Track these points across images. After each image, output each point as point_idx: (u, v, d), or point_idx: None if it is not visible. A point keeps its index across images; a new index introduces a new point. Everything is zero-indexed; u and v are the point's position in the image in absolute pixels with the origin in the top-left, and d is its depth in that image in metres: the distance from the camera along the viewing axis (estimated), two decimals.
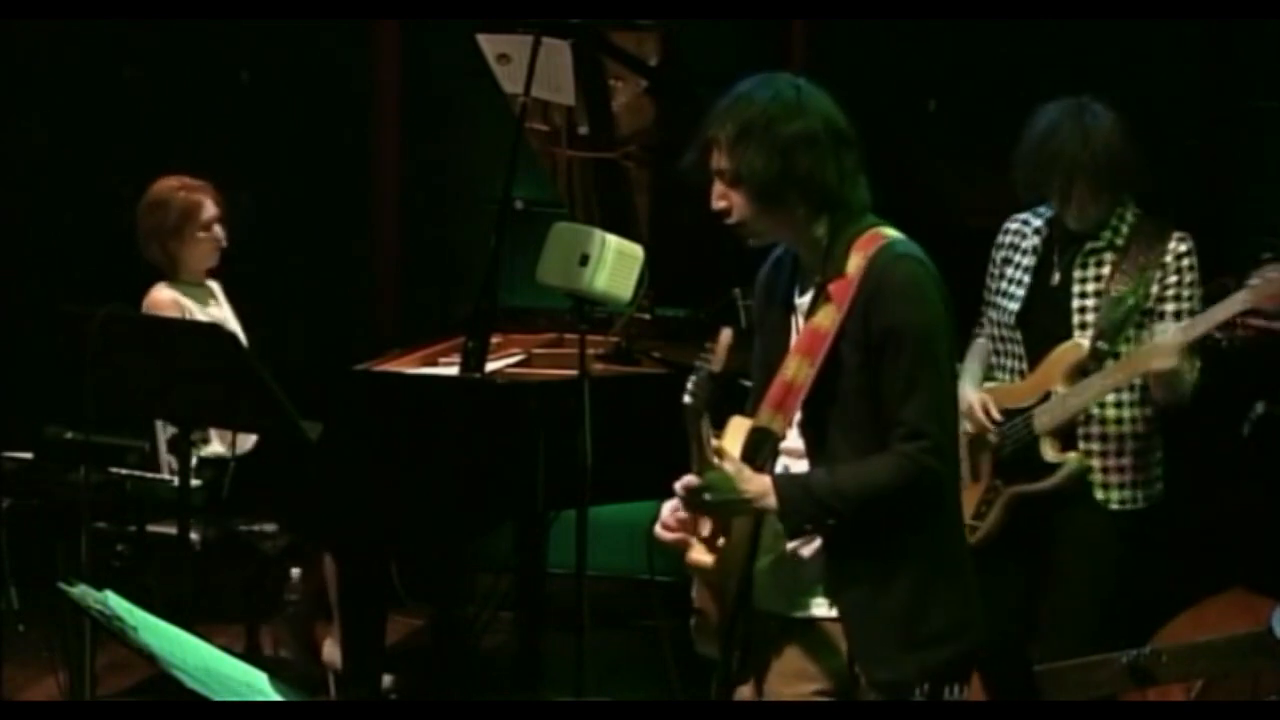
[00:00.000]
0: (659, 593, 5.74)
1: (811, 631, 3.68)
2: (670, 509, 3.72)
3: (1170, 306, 4.84)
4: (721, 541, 3.67)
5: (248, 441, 5.40)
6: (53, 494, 5.33)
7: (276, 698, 3.13)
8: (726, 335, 3.66)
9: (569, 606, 4.85)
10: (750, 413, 3.73)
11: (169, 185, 5.92)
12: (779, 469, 3.68)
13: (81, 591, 3.07)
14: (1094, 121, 4.86)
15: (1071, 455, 4.87)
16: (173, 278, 5.89)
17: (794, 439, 3.69)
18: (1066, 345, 4.87)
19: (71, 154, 7.37)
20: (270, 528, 5.66)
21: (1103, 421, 4.89)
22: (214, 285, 6.00)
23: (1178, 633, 4.78)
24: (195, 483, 5.25)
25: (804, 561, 3.67)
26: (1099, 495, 4.90)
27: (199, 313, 5.85)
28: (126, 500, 5.45)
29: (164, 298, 5.83)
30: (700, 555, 3.68)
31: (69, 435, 5.18)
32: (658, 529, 3.74)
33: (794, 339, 3.70)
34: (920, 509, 3.62)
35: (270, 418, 4.90)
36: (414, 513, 5.11)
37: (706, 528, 3.67)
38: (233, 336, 5.04)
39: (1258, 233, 6.24)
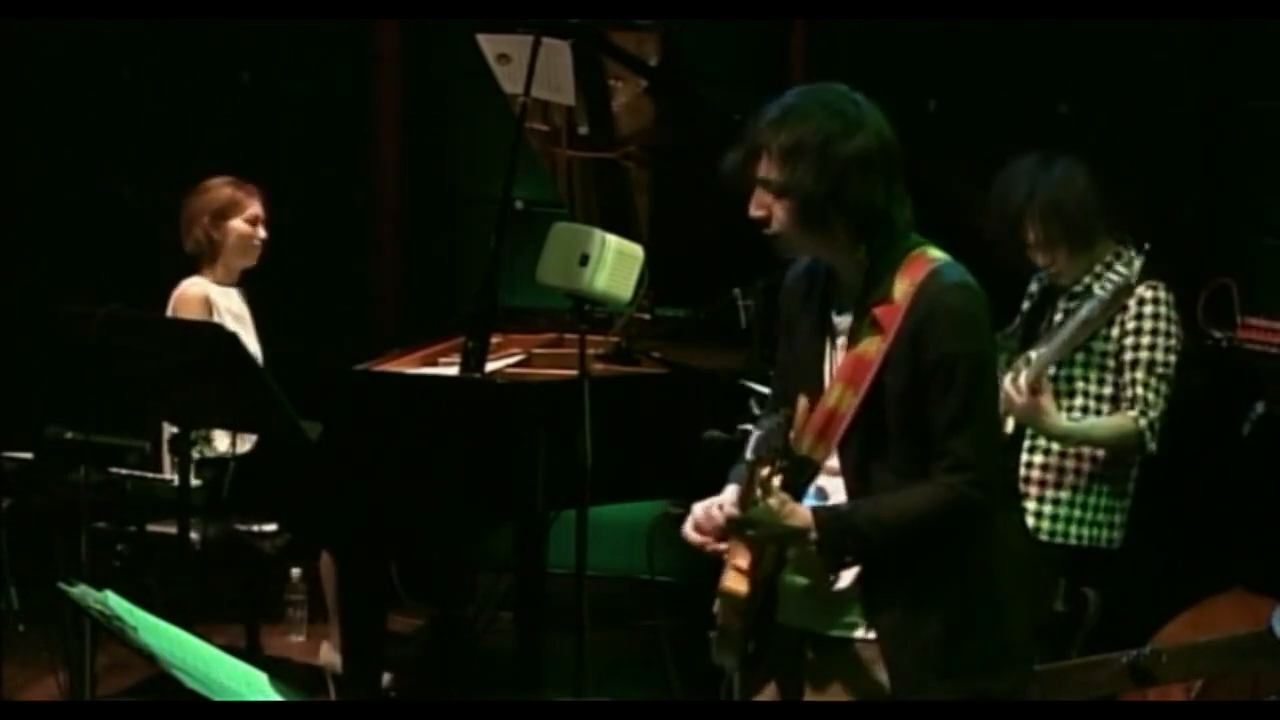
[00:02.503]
0: (659, 593, 5.75)
1: (849, 651, 3.61)
2: (704, 510, 3.64)
3: (1128, 356, 4.87)
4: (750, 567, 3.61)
5: (248, 441, 5.40)
6: (53, 494, 5.33)
7: (276, 698, 3.13)
8: (804, 404, 3.61)
9: (569, 606, 4.84)
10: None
11: (221, 178, 6.01)
12: (813, 486, 3.62)
13: (81, 591, 3.07)
14: (1043, 171, 4.91)
15: None
16: (209, 268, 5.91)
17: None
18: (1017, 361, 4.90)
19: (71, 154, 7.37)
20: (270, 528, 5.66)
21: (1046, 452, 4.93)
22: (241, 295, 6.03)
23: (1178, 633, 4.78)
24: (195, 483, 5.25)
25: (841, 580, 3.62)
26: (1031, 522, 4.92)
27: (226, 315, 5.85)
28: (126, 500, 5.45)
29: (194, 294, 5.84)
30: (736, 584, 3.60)
31: (69, 435, 5.18)
32: (688, 530, 3.66)
33: (829, 359, 3.63)
34: (960, 539, 3.57)
35: (270, 418, 4.90)
36: (414, 513, 5.11)
37: (744, 559, 3.60)
38: (233, 336, 5.03)
39: (1258, 233, 6.25)
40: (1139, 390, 4.84)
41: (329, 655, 5.80)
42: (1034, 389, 4.71)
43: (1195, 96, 6.38)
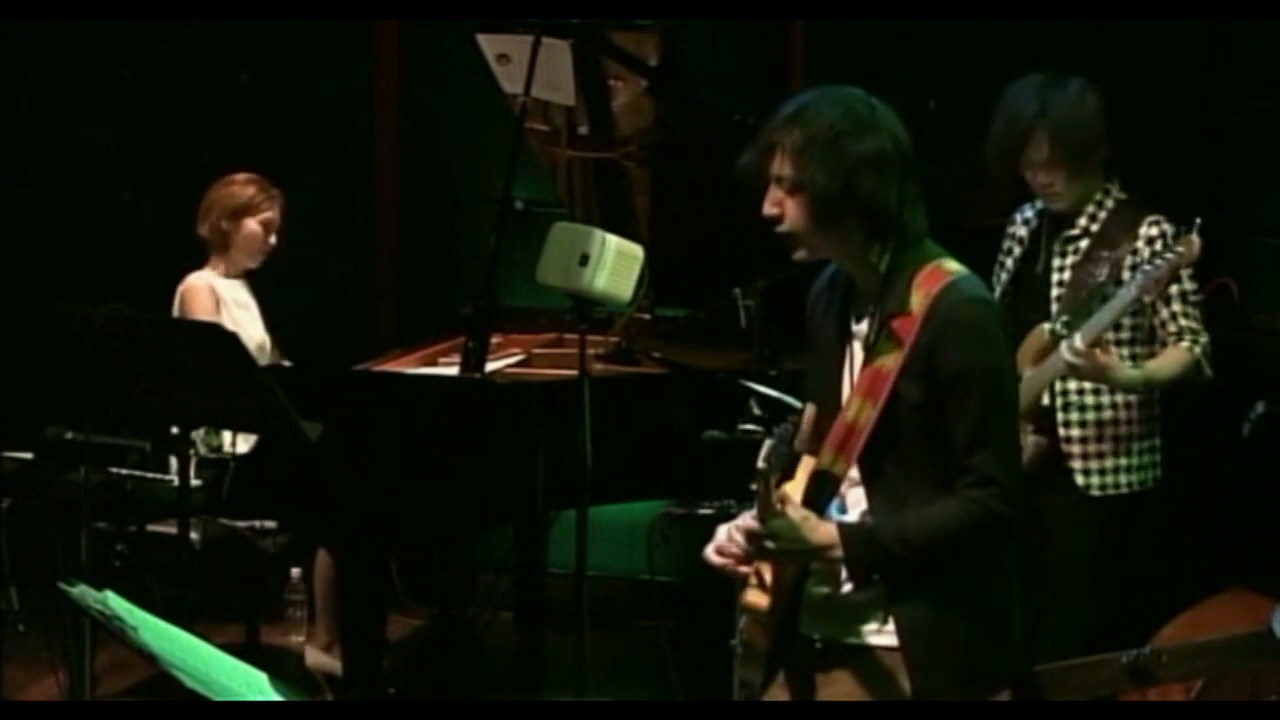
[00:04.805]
0: (659, 593, 5.75)
1: (866, 659, 3.59)
2: (725, 534, 3.60)
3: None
4: (773, 581, 3.59)
5: (248, 441, 5.40)
6: (53, 494, 5.33)
7: (276, 698, 3.13)
8: (811, 411, 3.60)
9: (569, 606, 4.85)
10: (812, 451, 3.62)
11: (248, 175, 6.10)
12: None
13: (81, 591, 3.07)
14: (1056, 89, 4.90)
15: (1030, 438, 4.87)
16: (217, 259, 5.99)
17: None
18: (1035, 330, 4.90)
19: (72, 155, 7.37)
20: (270, 527, 5.66)
21: (1081, 408, 4.92)
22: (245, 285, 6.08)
23: (1178, 633, 4.77)
24: (195, 483, 5.25)
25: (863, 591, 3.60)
26: (1079, 481, 4.92)
27: (233, 305, 5.94)
28: (126, 500, 5.45)
29: (200, 286, 5.93)
30: (757, 598, 3.59)
31: (69, 435, 5.19)
32: (709, 553, 3.62)
33: (847, 365, 3.61)
34: (985, 553, 3.57)
35: (270, 418, 4.90)
36: (414, 512, 5.12)
37: (766, 573, 3.58)
38: (233, 336, 5.03)
39: (1258, 233, 6.25)
40: (1182, 322, 4.84)
41: (315, 658, 5.81)
42: (1094, 348, 4.70)
43: (1195, 96, 6.38)
